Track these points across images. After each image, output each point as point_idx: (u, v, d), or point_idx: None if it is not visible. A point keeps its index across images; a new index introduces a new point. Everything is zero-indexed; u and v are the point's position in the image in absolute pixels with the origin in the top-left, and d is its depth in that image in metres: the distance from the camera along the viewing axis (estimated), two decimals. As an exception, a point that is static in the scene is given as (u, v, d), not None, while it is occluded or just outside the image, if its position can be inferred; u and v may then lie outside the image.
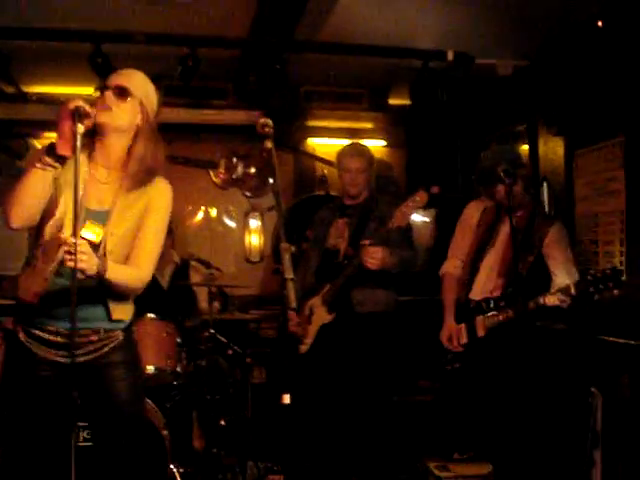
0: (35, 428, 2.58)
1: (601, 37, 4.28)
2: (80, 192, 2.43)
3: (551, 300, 3.55)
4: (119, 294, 2.67)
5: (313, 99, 6.28)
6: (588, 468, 3.77)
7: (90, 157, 2.65)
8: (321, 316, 4.08)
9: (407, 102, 5.80)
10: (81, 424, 3.69)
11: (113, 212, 2.64)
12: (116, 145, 2.65)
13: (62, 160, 2.47)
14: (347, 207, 4.27)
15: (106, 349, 2.69)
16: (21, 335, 2.65)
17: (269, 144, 2.65)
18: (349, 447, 4.04)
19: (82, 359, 2.63)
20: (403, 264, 4.01)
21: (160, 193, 2.75)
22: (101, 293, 2.63)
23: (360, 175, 4.18)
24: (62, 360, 2.60)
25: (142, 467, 2.81)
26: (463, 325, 3.84)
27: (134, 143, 2.66)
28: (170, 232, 4.70)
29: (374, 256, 3.81)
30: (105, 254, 2.59)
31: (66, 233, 2.50)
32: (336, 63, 5.40)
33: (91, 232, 2.59)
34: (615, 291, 3.40)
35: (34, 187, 2.48)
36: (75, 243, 2.32)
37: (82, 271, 2.39)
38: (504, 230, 3.85)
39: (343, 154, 4.28)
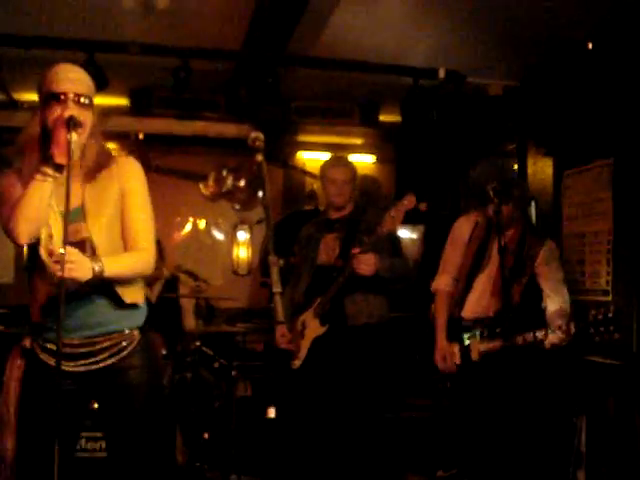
0: (55, 441, 2.54)
1: (591, 59, 4.33)
2: (53, 200, 2.45)
3: (552, 339, 3.50)
4: (127, 281, 2.65)
5: (304, 114, 6.31)
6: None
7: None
8: (314, 329, 4.02)
9: (398, 119, 5.82)
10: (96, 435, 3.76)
11: (86, 205, 2.62)
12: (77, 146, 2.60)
13: (60, 169, 2.45)
14: (334, 222, 4.21)
15: (125, 353, 2.66)
16: (38, 350, 2.65)
17: (260, 157, 2.66)
18: (334, 462, 3.99)
19: (101, 365, 2.62)
20: (395, 270, 3.99)
21: (128, 171, 2.71)
22: (109, 292, 2.61)
23: (345, 186, 4.15)
24: (78, 370, 2.60)
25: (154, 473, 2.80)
26: (456, 345, 3.81)
27: (89, 139, 2.62)
28: (158, 244, 4.69)
29: (366, 262, 3.79)
30: (94, 249, 2.57)
31: (55, 244, 2.50)
32: (327, 78, 5.42)
33: (77, 232, 2.56)
34: (616, 335, 3.34)
35: (38, 200, 2.47)
36: (63, 254, 2.32)
37: (76, 279, 2.39)
38: (496, 248, 3.82)
39: (327, 166, 4.26)
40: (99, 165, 2.64)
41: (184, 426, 4.47)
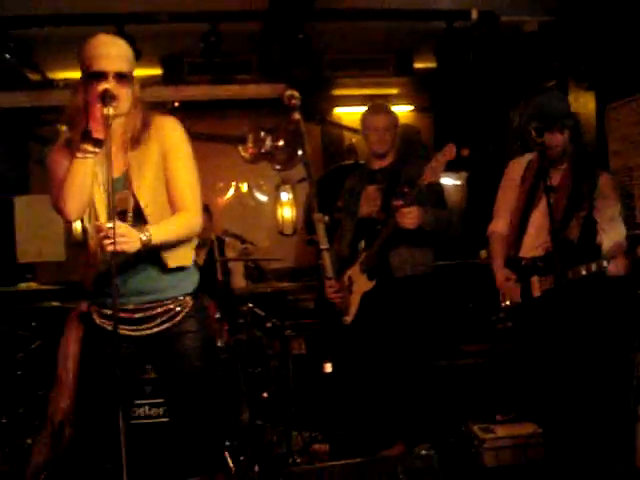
0: (109, 403, 2.55)
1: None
2: (99, 171, 2.50)
3: (611, 269, 3.43)
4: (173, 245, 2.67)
5: (337, 67, 6.23)
6: (632, 423, 3.76)
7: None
8: (362, 285, 3.99)
9: (433, 65, 5.73)
10: (153, 401, 3.86)
11: (131, 170, 2.64)
12: (118, 120, 2.62)
13: (100, 144, 2.47)
14: (375, 172, 4.14)
15: (178, 318, 2.71)
16: (95, 316, 2.71)
17: (297, 116, 2.64)
18: (393, 412, 4.01)
19: (155, 330, 2.68)
20: (440, 223, 3.90)
21: (168, 130, 2.71)
22: (157, 259, 2.65)
23: (387, 133, 4.07)
24: (135, 334, 2.65)
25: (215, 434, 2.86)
26: (517, 284, 3.73)
27: (130, 111, 2.64)
28: (206, 210, 4.73)
29: (409, 216, 3.71)
30: (144, 214, 2.60)
31: (101, 218, 2.54)
32: (358, 30, 5.35)
33: (122, 200, 2.59)
34: None
35: (82, 177, 2.51)
36: (112, 228, 2.36)
37: (124, 251, 2.43)
38: (551, 183, 3.73)
39: (367, 114, 4.16)
40: (141, 135, 2.65)
41: (243, 387, 4.54)
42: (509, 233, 3.83)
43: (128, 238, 2.44)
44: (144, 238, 2.49)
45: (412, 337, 3.95)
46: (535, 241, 3.72)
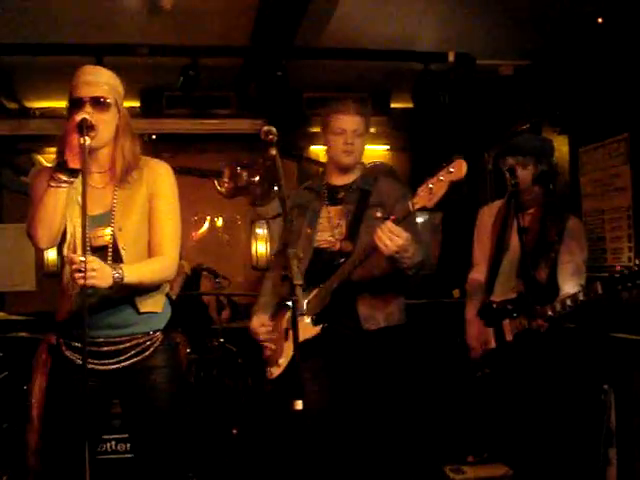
0: (76, 438, 2.53)
1: (601, 34, 4.28)
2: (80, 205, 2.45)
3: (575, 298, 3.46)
4: (147, 289, 2.67)
5: (315, 105, 6.27)
6: (603, 466, 3.75)
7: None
8: (303, 329, 3.01)
9: (409, 105, 5.80)
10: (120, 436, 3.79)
11: (116, 209, 2.64)
12: (104, 151, 2.64)
13: (75, 174, 2.47)
14: (337, 189, 3.28)
15: (146, 353, 2.68)
16: (63, 347, 2.67)
17: (273, 151, 2.64)
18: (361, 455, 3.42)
19: (123, 364, 2.65)
20: (421, 263, 3.05)
21: (159, 175, 2.73)
22: (129, 295, 2.63)
23: (357, 139, 3.20)
24: (102, 368, 2.62)
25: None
26: (489, 329, 3.77)
27: (117, 141, 2.65)
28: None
29: (398, 235, 2.78)
30: (121, 254, 2.60)
31: (79, 250, 2.52)
32: (337, 68, 5.40)
33: (101, 237, 2.59)
34: None
35: (53, 206, 2.50)
36: (83, 261, 2.34)
37: (97, 287, 2.41)
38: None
39: (331, 112, 3.24)
40: (129, 167, 2.65)
41: (212, 422, 4.49)
42: (483, 278, 3.89)
43: (100, 274, 2.41)
44: (116, 275, 2.47)
45: (375, 396, 3.18)
46: (505, 286, 3.77)
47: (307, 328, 3.08)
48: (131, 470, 3.68)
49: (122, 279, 2.49)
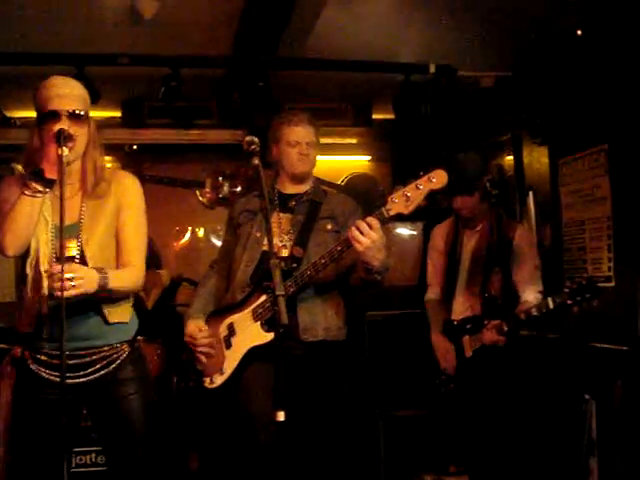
0: (45, 452, 2.55)
1: (581, 46, 4.32)
2: (49, 216, 2.50)
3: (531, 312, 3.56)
4: (114, 298, 2.66)
5: (297, 116, 6.28)
6: (585, 476, 3.76)
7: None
8: (250, 336, 3.06)
9: (391, 116, 5.82)
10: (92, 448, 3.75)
11: (84, 221, 2.63)
12: (75, 163, 2.64)
13: (50, 184, 2.47)
14: (288, 198, 3.31)
15: (114, 365, 2.66)
16: (29, 361, 2.64)
17: (256, 161, 2.65)
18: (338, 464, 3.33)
19: (90, 378, 2.63)
20: (387, 269, 2.97)
21: (127, 188, 2.74)
22: (96, 305, 2.62)
23: (311, 150, 3.27)
24: (70, 382, 2.57)
25: None
26: (451, 345, 3.90)
27: (87, 153, 2.64)
28: (155, 253, 4.68)
29: (375, 230, 2.71)
30: (87, 264, 2.58)
31: (43, 262, 2.51)
32: (319, 79, 5.41)
33: (69, 248, 2.57)
34: (594, 301, 3.38)
35: (26, 215, 2.49)
36: (61, 271, 2.33)
37: (83, 294, 2.41)
38: (468, 244, 3.98)
39: (286, 123, 3.29)
40: (98, 179, 2.65)
41: (192, 434, 4.46)
42: (441, 298, 4.01)
43: (86, 281, 2.40)
44: (101, 279, 2.47)
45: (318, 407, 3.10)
46: (462, 304, 3.90)
47: (257, 334, 3.04)
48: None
49: (107, 284, 2.50)
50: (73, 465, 3.84)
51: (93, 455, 3.89)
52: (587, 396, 3.79)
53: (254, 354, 3.04)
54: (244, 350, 3.07)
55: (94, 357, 2.64)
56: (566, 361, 4.13)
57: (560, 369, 4.13)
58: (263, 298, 3.06)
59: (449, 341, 3.89)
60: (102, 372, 2.65)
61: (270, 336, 2.98)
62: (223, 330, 3.17)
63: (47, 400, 2.56)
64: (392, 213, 2.71)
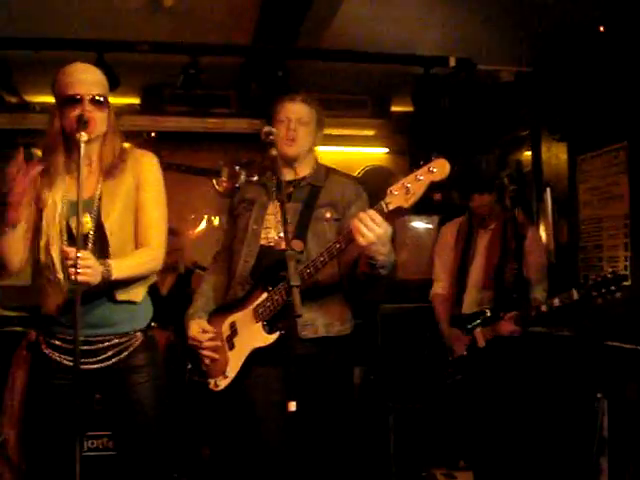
0: (57, 436, 2.58)
1: (603, 42, 4.28)
2: (62, 202, 2.53)
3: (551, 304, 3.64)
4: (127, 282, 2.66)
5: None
6: (595, 475, 3.75)
7: (70, 158, 2.63)
8: (252, 338, 2.87)
9: (409, 109, 5.80)
10: (104, 432, 3.77)
11: (103, 196, 2.64)
12: (94, 144, 2.65)
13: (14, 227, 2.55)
14: (286, 185, 3.01)
15: (126, 353, 2.67)
16: (43, 345, 2.66)
17: (274, 152, 2.64)
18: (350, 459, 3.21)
19: (102, 364, 2.64)
20: (394, 264, 2.76)
21: (146, 167, 2.74)
22: (108, 293, 2.62)
23: (301, 128, 3.03)
24: (83, 367, 2.57)
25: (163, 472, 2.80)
26: (462, 339, 3.94)
27: (106, 136, 2.67)
28: (172, 233, 4.69)
29: (379, 224, 2.48)
30: (108, 240, 2.60)
31: (55, 244, 2.54)
32: (338, 70, 5.39)
33: (84, 225, 2.57)
34: (618, 294, 3.43)
35: (11, 243, 2.58)
36: (79, 256, 2.36)
37: (86, 283, 2.41)
38: (481, 242, 4.03)
39: (280, 100, 3.10)
40: (116, 162, 2.66)
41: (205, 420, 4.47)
42: (451, 293, 4.06)
43: (92, 270, 2.42)
44: (105, 272, 2.48)
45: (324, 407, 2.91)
46: (473, 298, 3.95)
47: (259, 336, 2.86)
48: (120, 467, 3.70)
49: (110, 275, 2.50)
50: (85, 449, 3.86)
51: (105, 440, 3.91)
52: (599, 394, 3.78)
53: (257, 356, 2.88)
54: (247, 352, 2.90)
55: (107, 344, 2.65)
56: (580, 359, 4.11)
57: (573, 367, 4.11)
58: (264, 296, 2.88)
59: (464, 333, 3.94)
60: (115, 359, 2.66)
61: (272, 338, 2.82)
62: (226, 330, 2.99)
63: (60, 385, 2.58)
64: (391, 207, 2.48)
